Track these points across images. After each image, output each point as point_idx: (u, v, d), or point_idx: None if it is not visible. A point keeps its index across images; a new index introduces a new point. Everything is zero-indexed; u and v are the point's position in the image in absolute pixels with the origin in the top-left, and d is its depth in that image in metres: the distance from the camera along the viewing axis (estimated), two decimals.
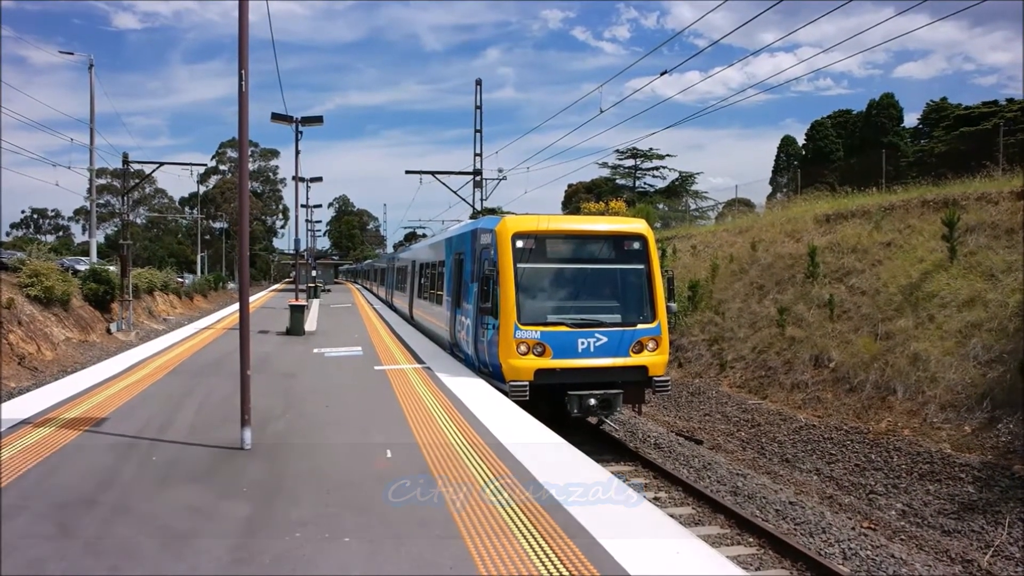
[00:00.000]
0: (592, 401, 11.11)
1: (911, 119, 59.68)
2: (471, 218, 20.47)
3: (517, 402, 10.06)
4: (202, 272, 72.30)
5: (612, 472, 6.84)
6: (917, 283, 15.88)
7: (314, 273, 39.43)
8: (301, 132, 22.48)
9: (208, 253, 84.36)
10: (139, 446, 7.35)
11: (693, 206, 53.63)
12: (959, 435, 12.14)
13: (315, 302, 33.02)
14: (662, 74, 17.94)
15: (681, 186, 62.10)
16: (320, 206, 59.27)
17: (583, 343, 11.22)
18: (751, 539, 8.64)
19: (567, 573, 4.43)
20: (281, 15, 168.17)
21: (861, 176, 26.75)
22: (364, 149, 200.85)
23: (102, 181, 72.07)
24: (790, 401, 16.22)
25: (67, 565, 4.54)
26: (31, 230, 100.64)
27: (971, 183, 19.22)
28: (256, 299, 36.54)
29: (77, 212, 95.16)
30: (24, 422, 8.19)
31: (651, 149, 63.45)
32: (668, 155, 64.98)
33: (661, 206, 51.22)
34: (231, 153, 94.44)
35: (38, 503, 5.60)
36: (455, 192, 27.54)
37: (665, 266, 15.51)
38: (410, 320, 22.97)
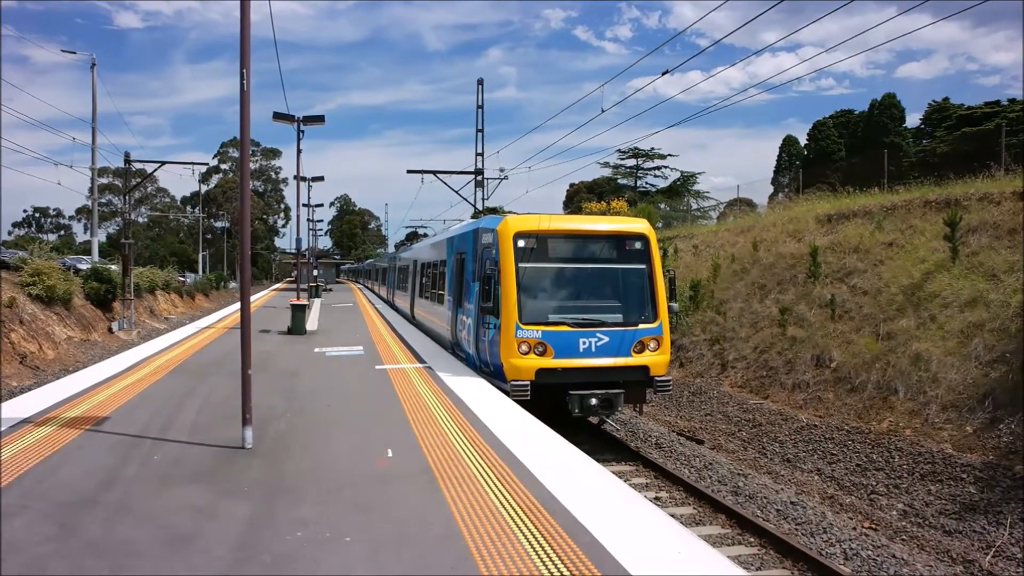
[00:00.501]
0: (593, 401, 11.12)
1: (913, 119, 59.53)
2: (472, 217, 20.44)
3: (518, 402, 10.05)
4: (203, 271, 72.42)
5: (613, 472, 6.85)
6: (919, 283, 15.87)
7: (316, 272, 39.41)
8: (303, 131, 22.50)
9: (210, 252, 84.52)
10: (140, 445, 7.35)
11: (695, 206, 53.55)
12: (960, 435, 12.12)
13: (316, 301, 33.03)
14: (664, 74, 17.86)
15: (683, 186, 61.91)
16: (322, 205, 59.25)
17: (584, 343, 11.22)
18: (752, 539, 8.63)
19: (568, 573, 4.42)
20: (283, 14, 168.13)
21: (863, 176, 26.70)
22: (366, 148, 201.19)
23: (104, 180, 72.35)
24: (791, 401, 16.20)
25: (68, 565, 4.53)
26: (33, 229, 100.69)
27: (973, 183, 19.21)
28: (257, 298, 36.58)
29: (79, 211, 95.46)
30: (25, 421, 8.20)
31: (653, 149, 63.44)
32: (670, 155, 64.83)
33: (663, 206, 51.16)
34: (233, 152, 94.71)
35: (39, 502, 5.60)
36: (457, 192, 27.61)
37: (667, 266, 15.49)
38: (411, 319, 22.97)
